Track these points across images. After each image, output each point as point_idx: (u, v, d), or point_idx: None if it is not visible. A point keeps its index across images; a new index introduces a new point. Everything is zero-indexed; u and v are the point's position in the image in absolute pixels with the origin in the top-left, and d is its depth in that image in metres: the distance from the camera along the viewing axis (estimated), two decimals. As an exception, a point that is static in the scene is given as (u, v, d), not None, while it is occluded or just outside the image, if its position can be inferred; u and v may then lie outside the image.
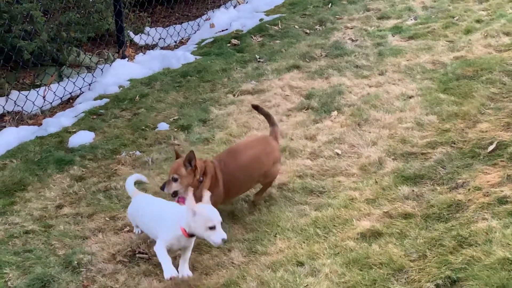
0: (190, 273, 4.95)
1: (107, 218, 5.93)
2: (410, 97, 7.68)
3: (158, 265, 5.12)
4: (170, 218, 4.95)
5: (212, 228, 4.67)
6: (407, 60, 8.83)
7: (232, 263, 5.16)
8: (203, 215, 4.69)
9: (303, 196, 6.00)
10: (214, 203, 5.00)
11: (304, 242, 5.32)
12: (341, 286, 4.73)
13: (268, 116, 6.12)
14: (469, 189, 5.64)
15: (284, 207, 5.83)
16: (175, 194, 5.34)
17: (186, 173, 5.29)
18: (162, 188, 5.33)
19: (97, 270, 5.18)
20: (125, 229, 5.75)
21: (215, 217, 4.72)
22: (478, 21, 9.88)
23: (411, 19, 10.49)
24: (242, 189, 5.87)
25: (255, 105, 6.26)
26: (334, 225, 5.49)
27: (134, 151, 7.13)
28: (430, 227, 5.28)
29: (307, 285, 4.78)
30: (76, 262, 5.26)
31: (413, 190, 5.80)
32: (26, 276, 5.14)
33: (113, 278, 5.05)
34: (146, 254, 5.33)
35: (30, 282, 5.04)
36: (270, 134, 6.00)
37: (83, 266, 5.23)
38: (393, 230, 5.31)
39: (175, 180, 5.27)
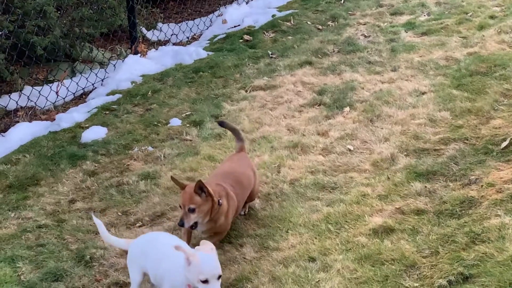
0: None
1: (119, 213, 5.95)
2: (423, 93, 7.65)
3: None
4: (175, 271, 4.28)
5: (205, 282, 4.03)
6: (420, 56, 8.79)
7: (244, 258, 5.17)
8: (196, 266, 4.03)
9: (315, 191, 6.00)
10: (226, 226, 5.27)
11: (316, 238, 5.32)
12: (353, 282, 4.73)
13: (235, 132, 5.93)
14: (482, 186, 5.62)
15: (296, 203, 5.83)
16: (195, 225, 5.00)
17: (202, 201, 4.96)
18: (182, 224, 4.92)
19: (109, 265, 5.20)
20: (137, 224, 5.77)
21: (210, 270, 4.04)
22: (491, 17, 9.82)
23: (424, 15, 10.44)
24: (239, 209, 5.59)
25: (220, 122, 6.19)
26: (346, 221, 5.49)
27: (146, 147, 7.14)
28: (443, 223, 5.27)
29: (318, 280, 4.78)
30: (88, 256, 5.29)
31: (425, 186, 5.78)
32: (39, 270, 5.17)
33: (125, 272, 5.06)
34: (158, 249, 5.34)
35: (42, 276, 5.06)
36: (239, 150, 5.83)
37: (96, 261, 5.25)
38: (405, 226, 5.30)
39: (192, 210, 4.92)
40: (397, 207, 5.57)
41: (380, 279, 4.72)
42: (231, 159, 5.79)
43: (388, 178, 6.03)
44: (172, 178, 5.12)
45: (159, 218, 5.83)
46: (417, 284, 4.63)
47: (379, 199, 5.74)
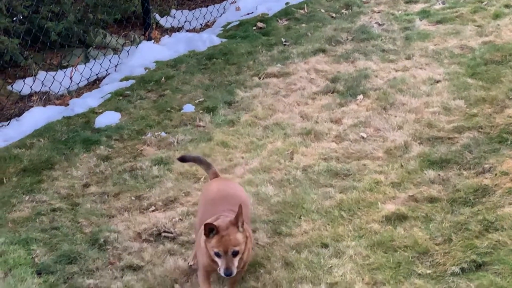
0: None
1: (132, 198, 5.98)
2: (437, 82, 7.63)
3: (183, 244, 5.17)
4: None
5: None
6: (435, 45, 8.75)
7: (257, 244, 5.18)
8: None
9: (328, 178, 6.00)
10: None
11: (328, 224, 5.32)
12: (366, 268, 4.74)
13: (200, 161, 5.22)
14: (496, 174, 5.60)
15: (309, 189, 5.83)
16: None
17: (243, 237, 4.17)
18: (229, 273, 4.06)
19: (123, 248, 5.23)
20: (151, 209, 5.79)
21: None
22: (506, 6, 9.74)
23: (439, 3, 10.37)
24: None
25: (180, 157, 5.44)
26: (359, 208, 5.49)
27: (159, 132, 7.16)
28: (456, 211, 5.26)
29: (331, 266, 4.79)
30: (102, 239, 5.32)
31: (439, 174, 5.78)
32: (53, 252, 5.21)
33: (139, 256, 5.10)
34: (172, 233, 5.37)
35: (57, 259, 5.10)
36: (213, 176, 5.02)
37: (109, 244, 5.28)
38: (418, 213, 5.30)
39: (236, 253, 4.09)
40: (410, 194, 5.57)
41: (392, 265, 4.73)
42: (215, 183, 4.89)
43: (402, 165, 6.02)
44: (206, 224, 4.09)
45: (172, 203, 5.85)
46: (429, 271, 4.63)
47: (392, 186, 5.73)
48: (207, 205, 4.62)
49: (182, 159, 5.44)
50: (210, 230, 4.07)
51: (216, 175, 5.01)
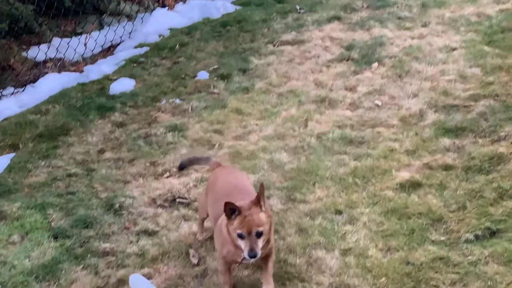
0: None
1: (147, 164, 6.00)
2: (453, 49, 7.56)
3: (197, 210, 5.19)
4: None
5: None
6: (451, 12, 8.66)
7: (271, 210, 5.19)
8: None
9: (342, 146, 5.99)
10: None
11: (342, 191, 5.33)
12: (379, 235, 4.75)
13: (196, 161, 5.14)
14: (511, 142, 5.57)
15: (323, 157, 5.83)
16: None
17: (267, 217, 3.95)
18: (254, 255, 3.84)
19: (138, 213, 5.26)
20: (165, 175, 5.81)
21: None
22: (525, -27, 9.60)
23: (456, -29, 10.23)
24: None
25: (179, 167, 5.18)
26: (373, 175, 5.49)
27: (174, 99, 7.16)
28: (471, 179, 5.25)
29: (345, 232, 4.80)
30: (117, 205, 5.35)
31: (454, 142, 5.75)
32: (69, 217, 5.25)
33: (154, 221, 5.13)
34: (186, 199, 5.40)
35: (73, 223, 5.15)
36: (214, 166, 4.84)
37: (125, 209, 5.32)
38: (432, 181, 5.29)
39: (260, 234, 3.88)
40: (425, 162, 5.55)
41: (406, 232, 4.73)
42: (220, 175, 4.65)
43: (416, 133, 6.00)
44: (227, 204, 3.88)
45: (186, 170, 5.87)
46: (443, 238, 4.63)
47: (407, 154, 5.72)
48: (218, 200, 4.24)
49: (181, 168, 5.17)
50: (232, 211, 3.87)
51: (218, 165, 4.81)
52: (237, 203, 3.89)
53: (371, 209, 5.04)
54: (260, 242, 3.86)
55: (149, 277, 4.47)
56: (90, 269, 4.59)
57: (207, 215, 4.59)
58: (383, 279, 4.27)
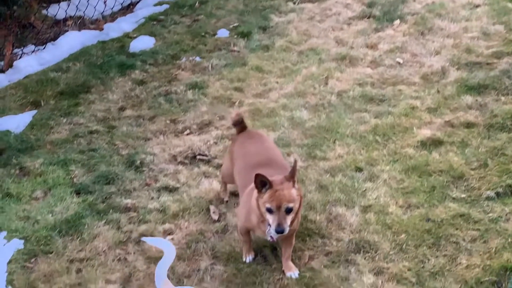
0: None
1: (167, 121, 6.02)
2: (476, 6, 7.45)
3: (218, 167, 5.22)
4: None
5: None
6: (475, -32, 8.50)
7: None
8: None
9: (363, 103, 5.96)
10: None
11: (363, 149, 5.32)
12: (399, 192, 4.75)
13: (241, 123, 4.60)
14: (534, 100, 5.53)
15: (344, 114, 5.81)
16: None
17: (298, 195, 3.82)
18: (281, 231, 3.70)
19: (159, 170, 5.30)
20: (186, 132, 5.83)
21: None
22: None
23: None
24: None
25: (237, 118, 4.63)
26: (394, 133, 5.46)
27: (194, 57, 7.14)
28: (493, 136, 5.21)
29: (365, 189, 4.81)
30: (138, 161, 5.39)
31: (476, 100, 5.70)
32: (91, 173, 5.30)
33: (174, 177, 5.16)
34: (206, 156, 5.42)
35: (95, 179, 5.19)
36: (241, 129, 4.57)
37: (146, 166, 5.35)
38: (454, 139, 5.26)
39: (290, 210, 3.75)
40: (447, 120, 5.52)
41: (426, 189, 4.73)
42: (249, 142, 4.45)
43: (438, 91, 5.95)
44: (257, 175, 3.72)
45: (206, 127, 5.88)
46: (464, 195, 4.62)
47: (428, 111, 5.69)
48: (247, 169, 4.13)
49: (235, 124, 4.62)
50: (263, 183, 3.72)
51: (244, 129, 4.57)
52: (269, 177, 3.72)
53: (391, 167, 5.03)
54: (289, 219, 3.71)
55: (170, 232, 4.52)
56: (112, 224, 4.64)
57: (232, 182, 4.46)
58: (403, 235, 4.29)
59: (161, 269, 3.43)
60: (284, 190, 3.70)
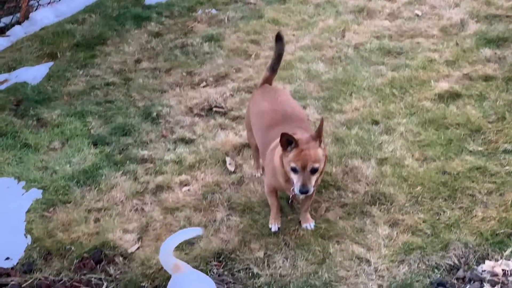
0: None
1: (184, 73, 6.01)
2: (497, -42, 7.29)
3: (234, 119, 5.22)
4: None
5: None
6: None
7: (308, 119, 5.19)
8: None
9: (380, 56, 5.91)
10: None
11: (379, 102, 5.29)
12: (416, 145, 4.73)
13: (279, 59, 4.42)
14: (554, 53, 5.45)
15: (361, 67, 5.77)
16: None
17: (323, 155, 3.71)
18: (305, 191, 3.63)
19: (175, 122, 5.31)
20: (202, 85, 5.82)
21: None
22: None
23: None
24: None
25: (278, 35, 4.43)
26: (411, 86, 5.42)
27: (210, 9, 7.10)
28: (511, 89, 5.16)
29: (381, 142, 4.79)
30: (155, 113, 5.40)
31: (495, 53, 5.63)
32: (108, 125, 5.32)
33: (190, 129, 5.18)
34: (223, 108, 5.42)
35: (112, 131, 5.22)
36: (266, 81, 4.43)
37: (162, 118, 5.36)
38: (472, 92, 5.22)
39: (315, 170, 3.65)
40: (465, 73, 5.46)
41: (443, 142, 4.70)
42: (271, 96, 4.26)
43: (457, 44, 5.88)
44: (283, 134, 3.58)
45: (223, 79, 5.87)
46: (481, 148, 4.60)
47: (446, 64, 5.63)
48: (268, 126, 4.06)
49: (279, 37, 4.40)
50: (288, 142, 3.62)
51: (268, 82, 4.43)
52: (295, 136, 3.62)
53: (408, 120, 5.01)
54: (314, 179, 3.63)
55: (186, 183, 4.55)
56: (129, 175, 4.68)
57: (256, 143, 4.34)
58: (419, 188, 4.28)
59: (171, 243, 3.32)
60: (310, 149, 3.59)
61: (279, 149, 3.71)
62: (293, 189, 3.69)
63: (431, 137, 4.78)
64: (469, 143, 4.66)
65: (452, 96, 5.19)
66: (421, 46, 5.95)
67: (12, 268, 3.97)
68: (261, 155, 4.18)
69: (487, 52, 5.65)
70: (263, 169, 4.40)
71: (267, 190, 4.05)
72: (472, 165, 4.40)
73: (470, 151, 4.58)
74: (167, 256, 3.31)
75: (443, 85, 5.33)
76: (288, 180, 3.73)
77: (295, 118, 4.05)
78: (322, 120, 3.61)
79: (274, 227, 4.08)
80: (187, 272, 3.27)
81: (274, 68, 4.40)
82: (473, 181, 4.28)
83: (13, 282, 3.85)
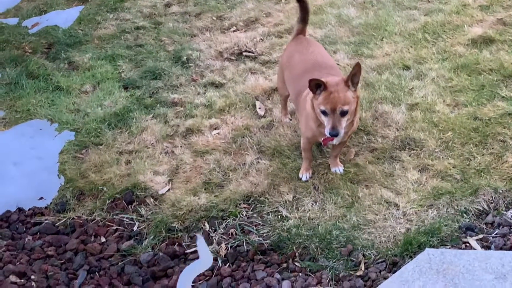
0: None
1: (214, 18, 5.98)
2: None
3: (264, 64, 5.20)
4: None
5: None
6: None
7: (338, 64, 5.15)
8: None
9: (413, 1, 5.82)
10: None
11: (411, 47, 5.23)
12: (448, 90, 4.69)
13: (306, 11, 4.33)
14: None
15: (393, 12, 5.69)
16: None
17: (354, 97, 3.65)
18: (335, 133, 3.59)
19: (205, 66, 5.31)
20: (232, 29, 5.80)
21: None
22: None
23: None
24: None
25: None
26: (444, 31, 5.34)
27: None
28: (547, 35, 5.07)
29: (412, 88, 4.75)
30: (185, 57, 5.40)
31: (531, -3, 5.52)
32: (138, 68, 5.35)
33: (220, 73, 5.18)
34: (253, 52, 5.40)
35: (142, 74, 5.24)
36: (299, 32, 4.36)
37: (192, 62, 5.37)
38: (506, 37, 5.12)
39: (345, 113, 3.60)
40: (499, 18, 5.36)
41: (475, 88, 4.65)
42: (303, 47, 4.25)
43: (492, -12, 5.76)
44: (312, 80, 3.54)
45: (253, 24, 5.84)
46: (514, 94, 4.55)
47: (480, 9, 5.52)
48: (299, 76, 4.04)
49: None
50: (317, 86, 3.59)
51: (301, 33, 4.35)
52: (323, 79, 3.59)
53: (440, 65, 4.95)
54: (344, 121, 3.60)
55: (216, 127, 4.58)
56: (159, 118, 4.71)
57: (288, 93, 4.34)
58: (450, 133, 4.26)
59: (187, 275, 3.40)
60: (339, 92, 3.56)
61: (310, 95, 3.71)
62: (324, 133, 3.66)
63: (463, 82, 4.73)
64: (502, 89, 4.60)
65: (486, 41, 5.10)
66: (455, -10, 5.84)
67: (46, 208, 4.07)
68: (294, 105, 4.18)
69: (523, -4, 5.53)
70: (291, 114, 4.39)
71: (303, 144, 4.04)
72: (504, 111, 4.35)
73: (503, 97, 4.52)
74: None
75: (476, 30, 5.24)
76: (320, 125, 3.72)
77: (325, 66, 4.02)
78: (356, 64, 3.54)
79: (305, 176, 4.11)
80: None
81: (303, 19, 4.32)
82: (504, 127, 4.24)
83: (47, 221, 3.96)
